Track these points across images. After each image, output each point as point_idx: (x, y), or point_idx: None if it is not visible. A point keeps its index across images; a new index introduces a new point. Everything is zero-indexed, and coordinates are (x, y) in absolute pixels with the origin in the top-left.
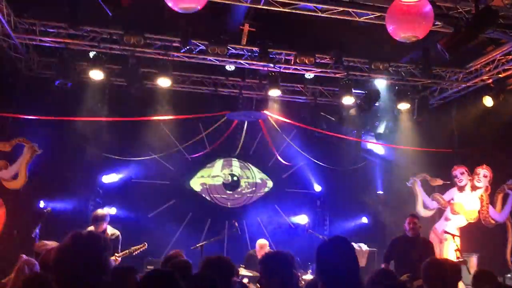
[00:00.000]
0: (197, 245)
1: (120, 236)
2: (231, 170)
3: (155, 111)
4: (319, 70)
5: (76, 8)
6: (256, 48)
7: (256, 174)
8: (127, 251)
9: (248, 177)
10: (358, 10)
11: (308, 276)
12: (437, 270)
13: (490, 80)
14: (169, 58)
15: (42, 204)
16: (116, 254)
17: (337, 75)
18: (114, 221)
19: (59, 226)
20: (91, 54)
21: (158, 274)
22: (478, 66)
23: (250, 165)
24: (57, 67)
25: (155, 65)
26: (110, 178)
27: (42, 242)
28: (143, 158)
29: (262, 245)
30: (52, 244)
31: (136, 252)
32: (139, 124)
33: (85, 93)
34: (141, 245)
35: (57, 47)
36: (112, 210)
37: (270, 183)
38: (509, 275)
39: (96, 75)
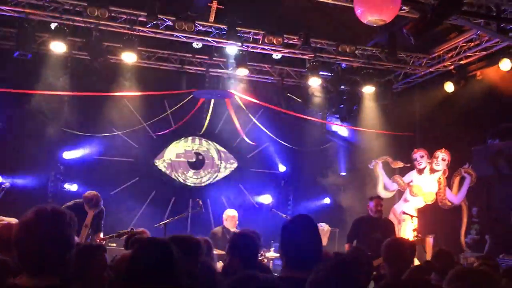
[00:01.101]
0: (161, 223)
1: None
2: (196, 149)
3: (119, 87)
4: (287, 50)
5: None
6: (224, 26)
7: (221, 153)
8: (113, 235)
9: (213, 156)
10: None
11: (271, 254)
12: (397, 249)
13: (452, 67)
14: (135, 32)
15: None
16: (101, 236)
17: (305, 57)
18: (75, 198)
19: (18, 202)
20: (53, 25)
21: (153, 243)
22: (441, 52)
23: (215, 144)
24: (16, 37)
25: (120, 39)
26: (71, 154)
27: None
28: (106, 135)
29: (233, 216)
30: (8, 220)
31: (122, 237)
32: (103, 100)
33: (46, 66)
34: (127, 230)
35: (17, 16)
36: (73, 187)
37: (234, 163)
38: (462, 255)
39: (58, 47)
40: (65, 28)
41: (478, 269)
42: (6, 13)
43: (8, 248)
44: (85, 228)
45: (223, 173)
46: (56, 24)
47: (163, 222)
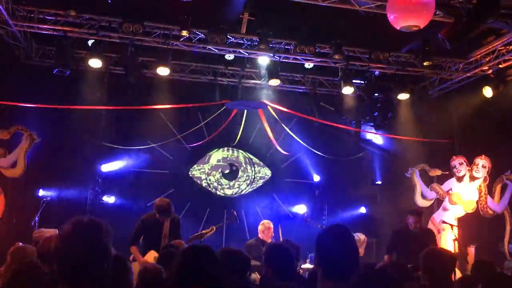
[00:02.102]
0: (199, 233)
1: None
2: (230, 160)
3: (154, 100)
4: (319, 59)
5: None
6: (256, 37)
7: (254, 164)
8: (196, 234)
9: (247, 167)
10: None
11: (307, 265)
12: (435, 260)
13: (490, 71)
14: (168, 46)
15: (41, 192)
16: (189, 237)
17: (337, 65)
18: (113, 210)
19: (58, 215)
20: (90, 42)
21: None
22: (479, 56)
23: (249, 154)
24: (55, 55)
25: (154, 53)
26: (109, 167)
27: (39, 230)
28: (142, 147)
29: (268, 227)
30: (49, 231)
31: (205, 237)
32: (138, 113)
33: (84, 82)
34: (209, 229)
35: (56, 35)
36: (111, 199)
37: (268, 173)
38: (508, 265)
39: (95, 63)
40: (101, 44)
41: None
42: (45, 32)
43: (51, 261)
44: (164, 238)
45: (257, 184)
46: (93, 40)
47: (208, 230)
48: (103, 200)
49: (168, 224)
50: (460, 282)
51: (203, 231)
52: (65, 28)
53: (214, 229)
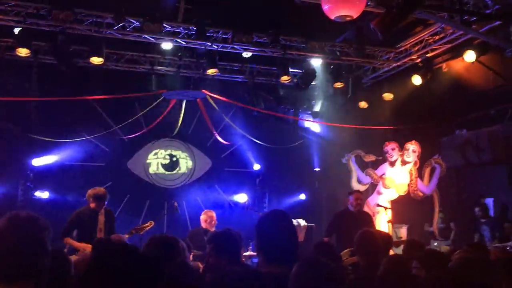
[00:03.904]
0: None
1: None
2: (170, 151)
3: (88, 90)
4: (257, 49)
5: None
6: (193, 26)
7: (195, 154)
8: (132, 230)
9: (187, 157)
10: None
11: (249, 253)
12: (368, 240)
13: (419, 60)
14: (102, 35)
15: None
16: (125, 235)
17: (275, 54)
18: (47, 205)
19: None
20: (17, 30)
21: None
22: (408, 46)
23: (189, 144)
24: None
25: (87, 42)
26: (41, 161)
27: None
28: (77, 140)
29: (211, 216)
30: None
31: (143, 232)
32: (72, 105)
33: (11, 72)
34: (148, 224)
35: None
36: (45, 194)
37: (209, 163)
38: (435, 244)
39: (23, 52)
40: (30, 33)
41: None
42: None
43: None
44: (100, 231)
45: (197, 174)
46: (20, 28)
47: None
48: (35, 196)
49: (103, 218)
50: (393, 260)
51: (142, 225)
52: None
53: (153, 223)
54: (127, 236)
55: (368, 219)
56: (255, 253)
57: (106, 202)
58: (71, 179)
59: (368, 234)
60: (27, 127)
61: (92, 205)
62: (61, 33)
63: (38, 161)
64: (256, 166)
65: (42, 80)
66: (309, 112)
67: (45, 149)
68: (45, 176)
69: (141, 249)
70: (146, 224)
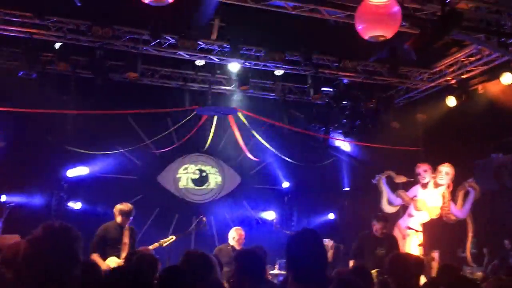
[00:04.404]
0: (166, 240)
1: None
2: (200, 166)
3: (123, 104)
4: (289, 67)
5: None
6: (226, 44)
7: (224, 170)
8: (157, 244)
9: (216, 173)
10: (328, 8)
11: (276, 271)
12: (401, 264)
13: (454, 81)
14: (138, 51)
15: (3, 198)
16: (149, 247)
17: (307, 73)
18: (79, 216)
19: (22, 221)
20: (57, 45)
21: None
22: (443, 66)
23: (219, 160)
24: (21, 57)
25: (124, 58)
26: (75, 172)
27: (1, 236)
28: (110, 153)
29: (239, 234)
30: (12, 237)
31: (165, 245)
32: (106, 118)
33: (50, 85)
34: (169, 238)
35: (22, 37)
36: (77, 205)
37: (238, 179)
38: (468, 270)
39: (62, 66)
40: (69, 48)
41: None
42: (11, 34)
43: (13, 267)
44: (125, 245)
45: (226, 190)
46: (60, 43)
47: (168, 239)
48: (68, 206)
49: (128, 234)
50: (425, 285)
51: (162, 241)
52: (31, 30)
53: (174, 238)
54: (150, 248)
55: (394, 242)
56: (282, 271)
57: (131, 219)
58: (103, 191)
59: (401, 257)
60: (63, 139)
61: (119, 220)
62: (99, 49)
63: (72, 172)
64: (285, 184)
65: (79, 93)
66: (340, 131)
67: (79, 161)
68: (78, 187)
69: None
70: (167, 239)
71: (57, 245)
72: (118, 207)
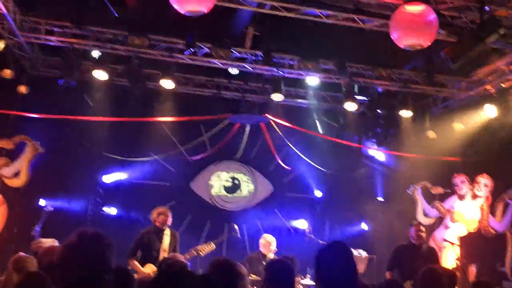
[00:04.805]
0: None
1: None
2: (232, 173)
3: (157, 112)
4: (322, 75)
5: (82, 7)
6: (260, 52)
7: (256, 178)
8: (193, 251)
9: (249, 181)
10: (363, 17)
11: (306, 281)
12: (432, 278)
13: (493, 90)
14: (173, 59)
15: (42, 202)
16: (185, 255)
17: (340, 81)
18: (114, 221)
19: (59, 225)
20: (96, 53)
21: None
22: (482, 75)
23: (251, 168)
24: (61, 66)
25: (159, 66)
26: (110, 178)
27: (38, 240)
28: (144, 159)
29: (270, 241)
30: (48, 241)
31: (204, 253)
32: (141, 125)
33: (88, 93)
34: (207, 245)
35: (62, 46)
36: (112, 210)
37: (270, 187)
38: (508, 284)
39: (100, 75)
40: (107, 56)
41: None
42: (52, 43)
43: (49, 271)
44: (163, 252)
45: (258, 198)
46: (98, 52)
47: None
48: (103, 211)
49: (168, 239)
50: None
51: (201, 247)
52: (71, 40)
53: (214, 246)
54: (187, 256)
55: (432, 254)
56: (312, 282)
57: (170, 219)
58: (138, 197)
59: (432, 272)
60: (99, 145)
61: (157, 222)
62: (136, 57)
63: (108, 178)
64: (318, 193)
65: (116, 101)
66: (374, 140)
67: (115, 167)
68: (113, 193)
69: (202, 270)
70: (206, 246)
71: (90, 251)
72: (154, 210)
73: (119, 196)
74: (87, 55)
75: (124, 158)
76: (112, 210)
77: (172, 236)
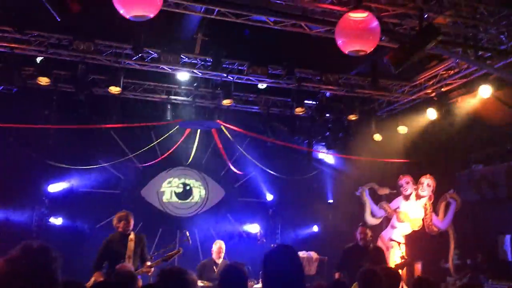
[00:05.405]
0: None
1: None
2: (183, 179)
3: (105, 118)
4: (272, 80)
5: (23, 12)
6: (210, 58)
7: (208, 183)
8: (159, 259)
9: (200, 186)
10: (310, 23)
11: (259, 285)
12: (371, 279)
13: (434, 94)
14: (120, 65)
15: None
16: (148, 263)
17: (289, 86)
18: (61, 232)
19: (2, 237)
20: (38, 59)
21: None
22: (423, 80)
23: (202, 174)
24: (1, 72)
25: (106, 72)
26: (56, 187)
27: None
28: (92, 167)
29: (218, 247)
30: None
31: (171, 259)
32: (89, 132)
33: (31, 99)
34: (176, 251)
35: (2, 51)
36: (59, 221)
37: (222, 192)
38: (451, 279)
39: (43, 81)
40: (50, 62)
41: None
42: None
43: None
44: (128, 259)
45: (210, 203)
46: (41, 58)
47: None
48: (50, 222)
49: (133, 244)
50: None
51: (170, 253)
52: (12, 45)
53: (181, 250)
54: (153, 264)
55: (379, 255)
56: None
57: (132, 223)
58: (86, 206)
59: (371, 272)
60: (45, 153)
61: (120, 227)
62: (81, 63)
63: (54, 188)
64: (269, 197)
65: (61, 108)
66: (323, 143)
67: (61, 176)
68: (60, 203)
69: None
70: (174, 252)
71: (35, 265)
72: (115, 216)
73: (65, 206)
74: (29, 60)
75: (70, 167)
76: (58, 221)
77: (137, 240)
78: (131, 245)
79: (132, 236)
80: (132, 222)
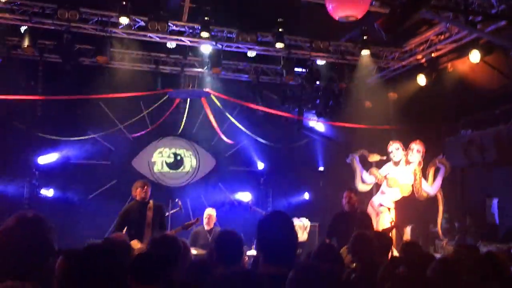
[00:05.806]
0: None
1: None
2: (174, 149)
3: (94, 89)
4: (261, 48)
5: None
6: (198, 25)
7: (199, 153)
8: (180, 227)
9: (191, 156)
10: None
11: (252, 252)
12: (362, 242)
13: (424, 60)
14: (107, 34)
15: None
16: (173, 230)
17: (279, 54)
18: (52, 203)
19: None
20: (23, 28)
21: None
22: (413, 46)
23: (193, 143)
24: None
25: (93, 41)
26: (46, 159)
27: None
28: (82, 138)
29: (209, 213)
30: None
31: (190, 228)
32: (77, 103)
33: (17, 70)
34: (195, 220)
35: None
36: (50, 192)
37: (213, 162)
38: (439, 243)
39: (28, 50)
40: (36, 31)
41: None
42: None
43: None
44: (148, 227)
45: (201, 173)
46: (25, 27)
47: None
48: (41, 194)
49: (151, 214)
50: (387, 264)
51: (189, 222)
52: None
53: (200, 219)
54: (173, 232)
55: (365, 220)
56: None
57: (149, 189)
58: (76, 177)
59: (362, 237)
60: (33, 125)
61: (138, 196)
62: (67, 32)
63: (44, 159)
64: (260, 165)
65: (48, 78)
66: (314, 111)
67: (50, 147)
68: (50, 174)
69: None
70: (193, 221)
71: (31, 236)
72: (134, 185)
73: (56, 178)
74: (13, 30)
75: (60, 138)
76: (49, 192)
77: (156, 208)
78: (149, 214)
79: (150, 205)
80: (149, 191)
